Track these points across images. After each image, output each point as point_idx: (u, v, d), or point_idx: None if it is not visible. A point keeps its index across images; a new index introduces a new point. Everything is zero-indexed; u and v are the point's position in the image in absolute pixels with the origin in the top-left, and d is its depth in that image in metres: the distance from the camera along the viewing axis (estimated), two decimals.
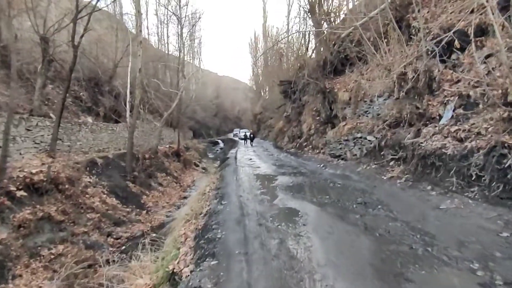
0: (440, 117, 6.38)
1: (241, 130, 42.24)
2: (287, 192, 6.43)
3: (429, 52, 6.70)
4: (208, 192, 6.62)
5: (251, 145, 26.89)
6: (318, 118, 13.32)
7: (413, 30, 8.09)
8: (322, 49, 13.08)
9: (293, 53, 22.20)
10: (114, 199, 11.40)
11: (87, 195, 10.06)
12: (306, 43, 18.98)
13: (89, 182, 10.90)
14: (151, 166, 15.84)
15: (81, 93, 19.38)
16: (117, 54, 21.88)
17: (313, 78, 12.38)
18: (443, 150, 5.40)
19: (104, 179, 11.91)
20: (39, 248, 7.43)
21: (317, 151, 12.75)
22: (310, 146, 13.59)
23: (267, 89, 48.83)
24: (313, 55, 17.38)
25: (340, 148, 10.47)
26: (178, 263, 3.55)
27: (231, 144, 33.61)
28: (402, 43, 7.31)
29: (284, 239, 3.75)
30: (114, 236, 9.73)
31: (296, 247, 3.51)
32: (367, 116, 9.80)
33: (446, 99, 6.39)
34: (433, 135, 5.96)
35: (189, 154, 25.96)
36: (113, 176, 12.63)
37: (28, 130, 10.45)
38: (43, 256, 7.34)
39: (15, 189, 7.41)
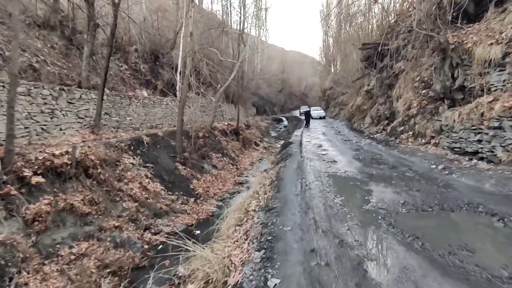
0: None
1: (314, 108, 33.25)
2: (411, 239, 3.18)
3: None
4: (253, 210, 4.02)
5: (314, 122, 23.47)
6: (425, 91, 9.17)
7: None
8: None
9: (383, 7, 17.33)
10: (158, 184, 9.97)
11: (125, 180, 8.68)
12: None
13: (131, 164, 9.56)
14: (205, 145, 14.20)
15: (141, 66, 18.81)
16: (177, 22, 20.56)
17: (425, 29, 8.25)
18: None
19: (150, 160, 10.55)
20: (57, 246, 6.14)
21: (423, 140, 8.76)
22: (411, 133, 9.54)
23: (338, 61, 43.43)
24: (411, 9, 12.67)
25: (479, 141, 6.49)
26: None
27: (295, 123, 30.43)
28: None
29: None
30: (153, 231, 8.24)
31: None
32: None
33: None
34: None
35: (250, 133, 24.07)
36: (161, 157, 11.23)
37: (70, 103, 9.44)
38: (61, 256, 6.03)
39: (30, 174, 6.11)
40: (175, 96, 16.77)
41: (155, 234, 8.19)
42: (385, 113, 12.09)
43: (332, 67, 47.17)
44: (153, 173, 10.17)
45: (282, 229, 3.40)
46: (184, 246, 3.44)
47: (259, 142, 23.93)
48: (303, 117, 27.30)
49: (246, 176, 15.02)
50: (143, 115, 13.34)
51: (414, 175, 6.26)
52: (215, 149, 15.54)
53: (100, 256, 6.36)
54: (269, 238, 2.91)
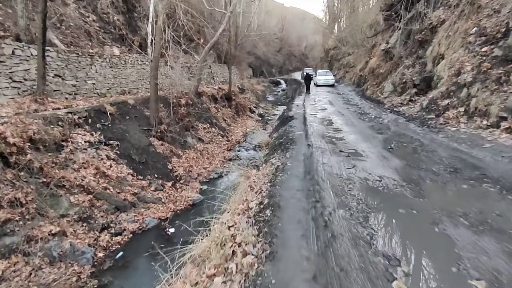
0: None
1: (320, 72, 25.21)
2: None
3: None
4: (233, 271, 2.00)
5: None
6: (486, 49, 6.46)
7: None
8: None
9: None
10: (124, 167, 8.02)
11: (74, 166, 6.67)
12: None
13: (87, 142, 7.49)
14: (189, 114, 12.00)
15: (114, 17, 15.78)
16: None
17: None
18: None
19: (115, 136, 8.49)
20: None
21: (485, 122, 6.18)
22: (462, 110, 6.95)
23: (344, 18, 39.34)
24: None
25: None
26: None
27: (295, 87, 27.48)
28: None
29: None
30: (113, 231, 6.48)
31: None
32: None
33: None
34: None
35: (244, 97, 21.66)
36: (130, 131, 9.13)
37: None
38: None
39: None
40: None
41: (116, 235, 6.45)
42: (414, 79, 9.50)
43: (336, 25, 42.99)
44: (118, 152, 8.16)
45: None
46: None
47: (254, 109, 21.66)
48: (302, 80, 23.91)
49: (238, 151, 13.10)
50: (111, 77, 10.92)
51: (502, 191, 3.61)
52: (202, 118, 13.39)
53: (25, 279, 4.60)
54: None
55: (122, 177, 7.64)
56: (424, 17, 10.24)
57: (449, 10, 8.96)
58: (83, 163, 6.86)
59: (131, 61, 12.12)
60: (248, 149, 13.23)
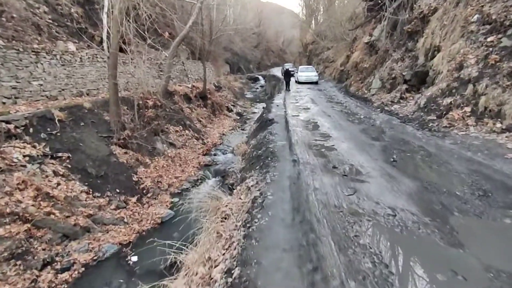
0: None
1: (302, 68, 22.69)
2: None
3: None
4: None
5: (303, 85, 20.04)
6: (493, 38, 5.97)
7: None
8: None
9: None
10: (76, 183, 6.80)
11: (5, 189, 5.39)
12: None
13: (27, 157, 6.19)
14: (157, 117, 10.80)
15: (71, 9, 14.17)
16: None
17: None
18: None
19: (65, 146, 7.21)
20: None
21: (499, 124, 5.32)
22: (468, 110, 6.07)
23: (321, 12, 38.98)
24: None
25: None
26: None
27: (274, 83, 26.64)
28: None
29: None
30: (58, 266, 5.30)
31: None
32: None
33: None
34: None
35: (220, 95, 20.54)
36: (86, 140, 7.86)
37: None
38: None
39: None
40: (121, 51, 12.64)
41: (63, 270, 5.29)
42: (404, 74, 8.73)
43: (314, 19, 42.57)
44: (69, 166, 6.91)
45: None
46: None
47: (232, 107, 20.61)
48: (282, 76, 22.76)
49: (215, 154, 12.07)
50: (63, 77, 9.50)
51: None
52: (174, 121, 12.20)
53: None
54: None
55: (73, 197, 6.42)
56: (414, 5, 9.50)
57: None
58: (18, 184, 5.59)
59: (88, 58, 10.70)
60: (226, 152, 12.25)
